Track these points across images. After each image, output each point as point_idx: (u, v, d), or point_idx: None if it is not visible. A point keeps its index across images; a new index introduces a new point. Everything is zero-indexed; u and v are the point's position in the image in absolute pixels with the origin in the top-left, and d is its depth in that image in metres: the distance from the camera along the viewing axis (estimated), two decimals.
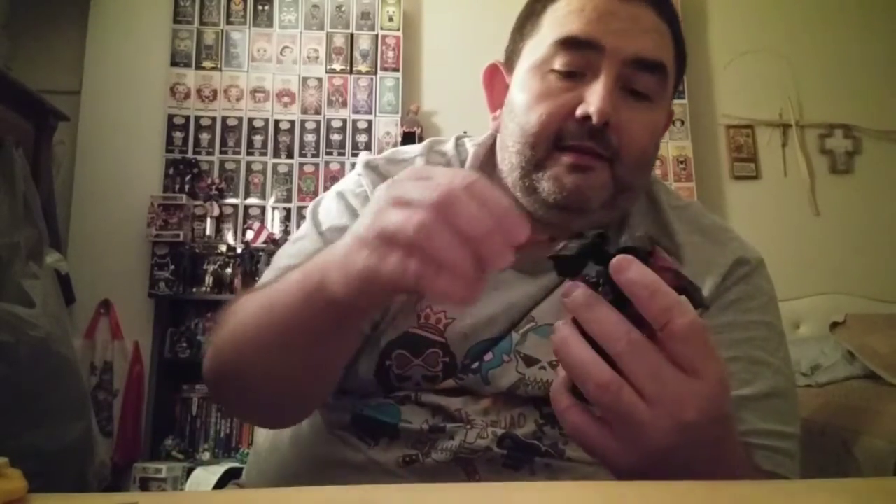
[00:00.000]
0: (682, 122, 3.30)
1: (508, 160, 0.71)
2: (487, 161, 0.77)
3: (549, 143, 0.67)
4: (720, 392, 0.42)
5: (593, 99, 0.65)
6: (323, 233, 0.73)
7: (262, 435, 0.79)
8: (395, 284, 0.42)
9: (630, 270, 0.41)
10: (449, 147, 0.80)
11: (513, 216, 0.41)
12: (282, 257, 0.74)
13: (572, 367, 0.42)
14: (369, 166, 0.76)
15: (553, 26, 0.69)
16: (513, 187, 0.72)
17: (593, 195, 0.67)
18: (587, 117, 0.65)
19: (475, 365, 0.68)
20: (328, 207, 0.76)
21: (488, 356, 0.69)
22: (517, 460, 0.65)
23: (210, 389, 0.70)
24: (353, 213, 0.73)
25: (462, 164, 0.77)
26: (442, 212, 0.40)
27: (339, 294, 0.47)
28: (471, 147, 0.79)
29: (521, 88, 0.71)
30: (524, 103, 0.69)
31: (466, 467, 0.65)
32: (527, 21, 0.74)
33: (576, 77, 0.67)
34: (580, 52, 0.67)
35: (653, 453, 0.42)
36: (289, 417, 0.67)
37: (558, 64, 0.68)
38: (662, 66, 0.68)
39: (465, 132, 0.89)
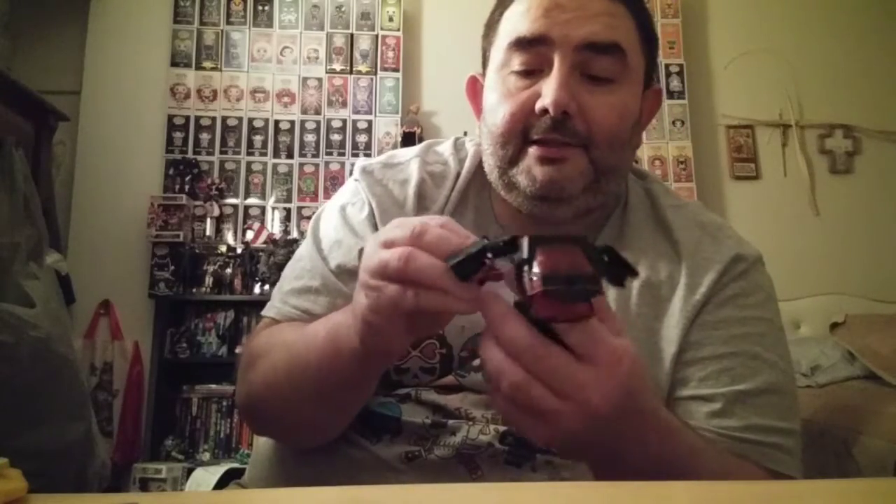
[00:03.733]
0: (682, 122, 3.30)
1: (487, 161, 0.74)
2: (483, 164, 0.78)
3: (518, 139, 0.69)
4: (619, 377, 0.45)
5: (547, 92, 0.67)
6: (321, 249, 0.74)
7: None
8: (395, 310, 0.48)
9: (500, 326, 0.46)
10: (445, 148, 0.81)
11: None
12: (286, 279, 0.75)
13: (490, 371, 0.46)
14: (365, 171, 0.78)
15: (506, 30, 0.72)
16: (496, 186, 0.74)
17: (568, 184, 0.68)
18: (546, 110, 0.66)
19: (476, 362, 0.68)
20: (328, 222, 0.77)
21: None
22: (519, 457, 0.66)
23: (245, 421, 0.77)
24: (352, 228, 0.74)
25: (461, 163, 0.79)
26: (417, 240, 0.47)
27: (358, 342, 0.53)
28: (470, 147, 0.81)
29: (489, 92, 0.73)
30: (491, 106, 0.72)
31: (469, 464, 0.66)
32: (489, 29, 0.77)
33: (534, 74, 0.69)
34: (532, 50, 0.69)
35: (571, 435, 0.45)
36: (321, 441, 0.69)
37: (515, 65, 0.70)
38: (617, 46, 0.69)
39: (465, 132, 0.89)
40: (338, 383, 0.59)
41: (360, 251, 0.71)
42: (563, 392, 0.44)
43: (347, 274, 0.70)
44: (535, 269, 0.42)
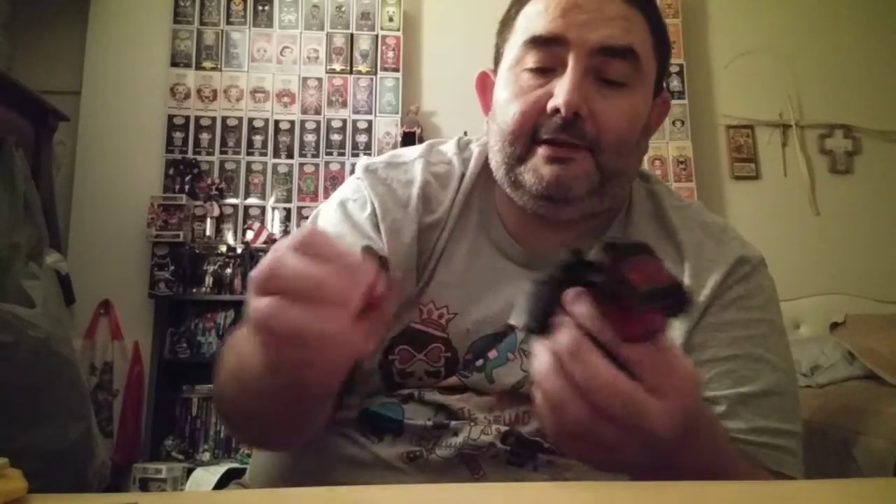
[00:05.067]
0: (682, 123, 3.30)
1: (494, 158, 0.74)
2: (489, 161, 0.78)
3: (527, 138, 0.69)
4: (686, 406, 0.44)
5: (560, 92, 0.67)
6: None
7: None
8: (271, 324, 0.41)
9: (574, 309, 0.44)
10: (449, 147, 0.81)
11: (357, 259, 0.42)
12: None
13: (552, 402, 0.44)
14: (368, 170, 0.77)
15: (523, 28, 0.72)
16: (501, 183, 0.74)
17: (574, 185, 0.69)
18: (557, 110, 0.66)
19: (479, 363, 0.69)
20: (327, 217, 0.76)
21: (492, 353, 0.69)
22: (521, 457, 0.66)
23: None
24: (353, 224, 0.73)
25: (464, 163, 0.78)
26: (297, 248, 0.41)
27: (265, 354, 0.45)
28: (475, 147, 0.80)
29: (501, 89, 0.73)
30: (502, 103, 0.72)
31: (470, 464, 0.66)
32: (504, 26, 0.76)
33: (547, 73, 0.69)
34: (548, 49, 0.69)
35: (625, 462, 0.46)
36: (294, 445, 0.67)
37: (529, 62, 0.70)
38: (632, 51, 0.69)
39: (465, 132, 0.89)
40: (271, 396, 0.52)
41: (363, 249, 0.70)
42: (627, 423, 0.42)
43: None
44: (633, 286, 0.40)
